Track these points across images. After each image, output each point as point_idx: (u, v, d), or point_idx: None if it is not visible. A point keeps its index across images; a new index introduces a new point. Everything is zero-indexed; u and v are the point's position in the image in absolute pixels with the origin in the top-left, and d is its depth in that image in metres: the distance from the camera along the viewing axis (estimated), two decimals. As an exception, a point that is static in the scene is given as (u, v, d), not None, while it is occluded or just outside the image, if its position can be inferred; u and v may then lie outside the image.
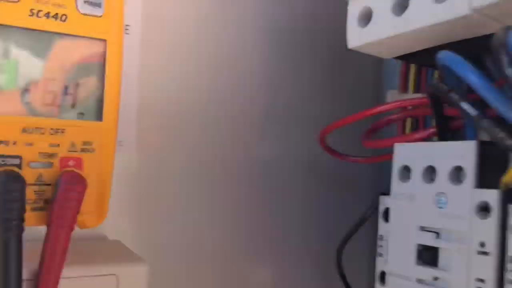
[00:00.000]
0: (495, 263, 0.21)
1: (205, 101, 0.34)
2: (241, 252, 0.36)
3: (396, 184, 0.26)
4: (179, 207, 0.33)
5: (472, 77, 0.19)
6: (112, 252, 0.26)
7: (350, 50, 0.27)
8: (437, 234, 0.24)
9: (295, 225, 0.38)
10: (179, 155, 0.33)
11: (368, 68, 0.42)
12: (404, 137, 0.29)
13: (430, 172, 0.24)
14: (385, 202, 0.27)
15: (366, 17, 0.25)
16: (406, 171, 0.25)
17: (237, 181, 0.35)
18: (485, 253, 0.21)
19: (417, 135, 0.27)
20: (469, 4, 0.20)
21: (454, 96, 0.21)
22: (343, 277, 0.32)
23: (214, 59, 0.34)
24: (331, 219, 0.39)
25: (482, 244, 0.21)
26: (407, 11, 0.23)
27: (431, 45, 0.23)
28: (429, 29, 0.22)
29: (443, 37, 0.22)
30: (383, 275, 0.27)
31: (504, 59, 0.17)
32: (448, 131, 0.26)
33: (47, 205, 0.21)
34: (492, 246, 0.21)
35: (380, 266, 0.27)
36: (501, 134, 0.19)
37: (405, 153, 0.26)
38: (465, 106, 0.20)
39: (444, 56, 0.21)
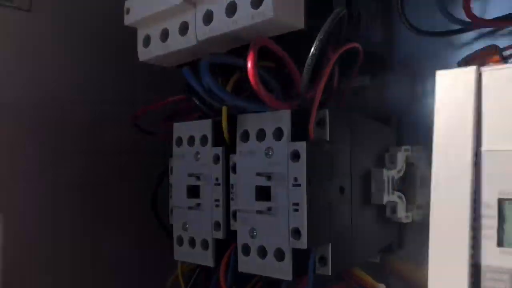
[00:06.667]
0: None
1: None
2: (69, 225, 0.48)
3: (175, 149, 0.39)
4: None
5: (192, 82, 0.33)
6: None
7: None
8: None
9: (117, 193, 0.51)
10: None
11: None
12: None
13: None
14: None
15: (147, 41, 0.38)
16: (178, 140, 0.39)
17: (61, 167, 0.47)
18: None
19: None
20: (196, 38, 0.34)
21: (188, 94, 0.35)
22: (157, 217, 0.46)
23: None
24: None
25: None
26: (168, 40, 0.36)
27: (183, 62, 0.37)
28: (179, 52, 0.36)
29: (188, 57, 0.37)
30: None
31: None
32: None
33: None
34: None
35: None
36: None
37: (182, 128, 0.39)
38: (196, 100, 0.35)
39: (183, 71, 0.35)
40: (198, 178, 0.37)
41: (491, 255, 0.26)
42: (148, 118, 0.44)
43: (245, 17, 0.31)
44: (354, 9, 0.38)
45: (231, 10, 0.32)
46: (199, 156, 0.37)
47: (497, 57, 0.34)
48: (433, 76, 0.28)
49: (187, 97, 0.35)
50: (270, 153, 0.32)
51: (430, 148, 0.28)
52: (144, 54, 0.39)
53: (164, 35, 0.37)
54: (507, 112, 0.26)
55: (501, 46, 0.35)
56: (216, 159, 0.36)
